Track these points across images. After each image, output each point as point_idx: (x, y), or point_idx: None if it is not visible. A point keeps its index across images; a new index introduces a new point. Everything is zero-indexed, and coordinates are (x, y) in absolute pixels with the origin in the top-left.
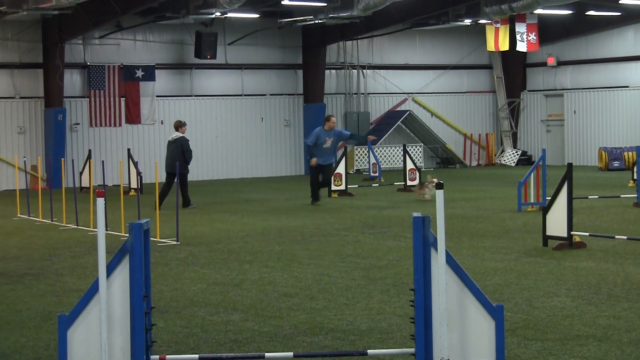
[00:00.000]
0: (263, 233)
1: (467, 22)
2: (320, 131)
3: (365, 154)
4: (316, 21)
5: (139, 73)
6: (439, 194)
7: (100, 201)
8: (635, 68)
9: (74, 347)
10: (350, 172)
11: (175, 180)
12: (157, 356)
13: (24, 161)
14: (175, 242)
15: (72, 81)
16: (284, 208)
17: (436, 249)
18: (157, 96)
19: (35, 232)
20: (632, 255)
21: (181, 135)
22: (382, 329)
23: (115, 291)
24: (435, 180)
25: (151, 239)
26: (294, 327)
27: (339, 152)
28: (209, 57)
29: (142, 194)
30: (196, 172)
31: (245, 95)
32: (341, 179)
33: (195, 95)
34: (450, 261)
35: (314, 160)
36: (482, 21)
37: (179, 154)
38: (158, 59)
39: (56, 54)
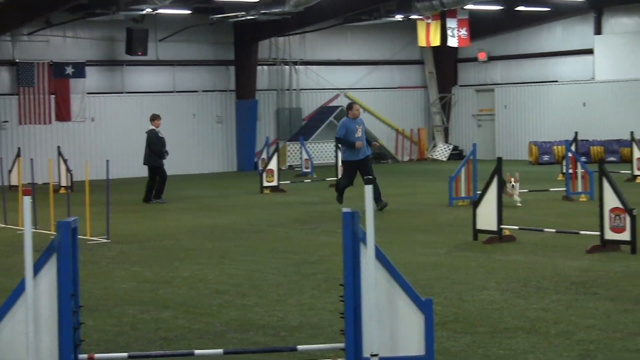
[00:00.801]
0: (195, 230)
1: (399, 17)
2: (348, 121)
3: (298, 150)
4: (248, 17)
5: (69, 70)
6: (368, 189)
7: (27, 199)
8: (564, 63)
9: (0, 347)
10: (283, 168)
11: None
12: (86, 355)
13: None
14: (106, 240)
15: (0, 78)
16: (217, 205)
17: (366, 244)
18: (87, 93)
19: None
20: (561, 248)
21: (151, 128)
22: (313, 325)
23: (42, 290)
24: (512, 178)
25: (82, 237)
26: (224, 324)
27: (272, 148)
28: (140, 53)
29: (73, 192)
30: (128, 169)
31: (177, 91)
32: (273, 175)
33: (127, 92)
34: (379, 256)
35: (358, 144)
36: (414, 17)
37: (147, 146)
38: (88, 56)
39: None
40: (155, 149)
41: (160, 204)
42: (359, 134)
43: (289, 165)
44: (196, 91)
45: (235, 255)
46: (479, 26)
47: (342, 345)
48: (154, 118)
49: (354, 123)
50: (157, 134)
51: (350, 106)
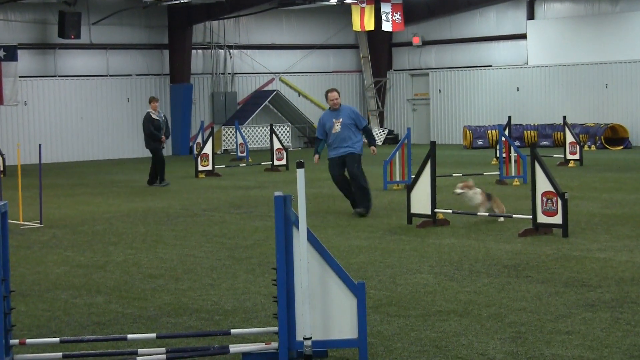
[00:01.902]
0: (128, 214)
1: (333, 2)
2: (325, 115)
3: (233, 134)
4: (182, 0)
5: (1, 53)
6: (300, 172)
7: None
8: (498, 48)
9: None
10: (218, 152)
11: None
12: (17, 340)
13: None
14: (38, 225)
15: None
16: (150, 189)
17: (298, 228)
18: (19, 77)
19: None
20: (493, 231)
21: (147, 111)
22: (246, 309)
23: None
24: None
25: (14, 221)
26: (158, 309)
27: (207, 132)
28: (72, 37)
29: (5, 177)
30: (61, 153)
31: (110, 75)
32: (208, 159)
33: (60, 76)
34: (312, 239)
35: (315, 158)
36: (348, 1)
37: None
38: (20, 39)
39: None
40: (146, 131)
41: (163, 187)
42: (338, 128)
43: (224, 150)
44: (130, 75)
45: (169, 240)
46: (413, 11)
47: (275, 329)
48: (150, 100)
49: (331, 116)
50: (150, 117)
51: (325, 94)
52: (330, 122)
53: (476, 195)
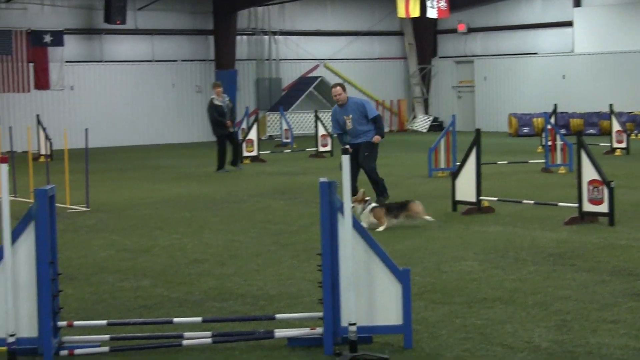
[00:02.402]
0: (174, 200)
1: None
2: (335, 111)
3: (278, 120)
4: None
5: (48, 38)
6: (345, 159)
7: (4, 167)
8: (544, 35)
9: None
10: (263, 138)
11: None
12: (65, 322)
13: None
14: (85, 209)
15: None
16: (195, 175)
17: (343, 214)
18: (66, 62)
19: None
20: (539, 219)
21: (211, 97)
22: (291, 294)
23: (21, 258)
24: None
25: (61, 205)
26: (203, 293)
27: (252, 118)
28: (118, 22)
29: (52, 161)
30: (107, 138)
31: (156, 61)
32: (253, 145)
33: (105, 61)
34: (357, 226)
35: (348, 148)
36: None
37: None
38: (67, 24)
39: None
40: (211, 118)
41: (221, 173)
42: (350, 125)
43: (269, 136)
44: (175, 60)
45: (214, 225)
46: None
47: (320, 314)
48: (213, 86)
49: (341, 113)
50: (213, 103)
51: (331, 90)
52: (342, 119)
53: (365, 213)
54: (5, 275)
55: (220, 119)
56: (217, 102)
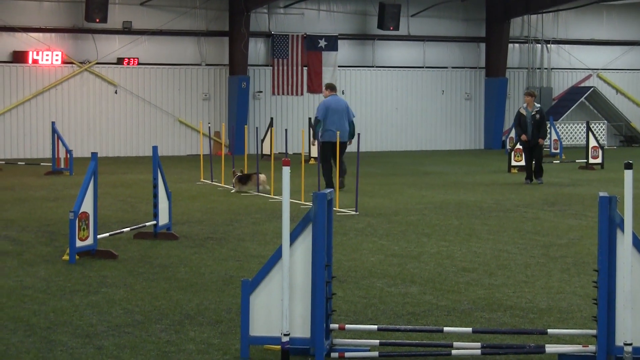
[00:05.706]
0: (441, 206)
1: None
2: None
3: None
4: None
5: (322, 43)
6: (628, 173)
7: (286, 170)
8: None
9: (255, 311)
10: None
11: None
12: (337, 325)
13: (208, 127)
14: (354, 213)
15: (256, 49)
16: (463, 182)
17: (622, 230)
18: (339, 66)
19: (217, 197)
20: None
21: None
22: (561, 309)
23: (297, 259)
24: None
25: None
26: (472, 303)
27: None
28: (391, 28)
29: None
30: (376, 143)
31: (426, 67)
32: (521, 155)
33: (377, 67)
34: (637, 243)
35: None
36: None
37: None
38: (341, 29)
39: (242, 22)
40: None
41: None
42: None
43: None
44: (445, 67)
45: (482, 234)
46: None
47: (593, 331)
48: (524, 94)
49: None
50: (518, 112)
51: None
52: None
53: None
54: (282, 276)
55: (518, 130)
56: (521, 111)
